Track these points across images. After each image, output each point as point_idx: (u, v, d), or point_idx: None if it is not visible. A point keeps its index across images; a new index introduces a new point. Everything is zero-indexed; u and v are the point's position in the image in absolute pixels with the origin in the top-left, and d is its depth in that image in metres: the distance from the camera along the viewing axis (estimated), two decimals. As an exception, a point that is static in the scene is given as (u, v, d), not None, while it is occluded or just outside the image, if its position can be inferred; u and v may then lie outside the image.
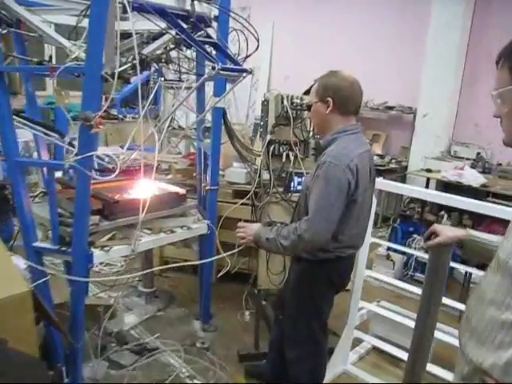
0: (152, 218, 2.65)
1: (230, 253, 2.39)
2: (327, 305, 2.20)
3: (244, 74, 2.19)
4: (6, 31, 2.44)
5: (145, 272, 3.16)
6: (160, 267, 3.31)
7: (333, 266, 2.08)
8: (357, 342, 3.14)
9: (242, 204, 3.35)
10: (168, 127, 5.39)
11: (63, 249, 2.27)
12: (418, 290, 3.06)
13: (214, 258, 2.61)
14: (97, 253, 2.30)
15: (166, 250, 3.96)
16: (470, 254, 1.58)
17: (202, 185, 3.00)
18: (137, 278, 3.87)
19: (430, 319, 1.75)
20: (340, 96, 1.97)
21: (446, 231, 1.57)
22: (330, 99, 1.97)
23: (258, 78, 7.35)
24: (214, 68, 1.96)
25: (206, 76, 2.06)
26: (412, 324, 2.83)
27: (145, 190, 2.70)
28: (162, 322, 3.41)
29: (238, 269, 3.45)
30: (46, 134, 2.41)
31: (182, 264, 2.66)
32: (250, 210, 3.15)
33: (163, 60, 2.49)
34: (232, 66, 2.22)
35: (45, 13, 2.46)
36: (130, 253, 2.43)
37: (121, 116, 5.78)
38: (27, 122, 2.23)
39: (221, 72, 1.98)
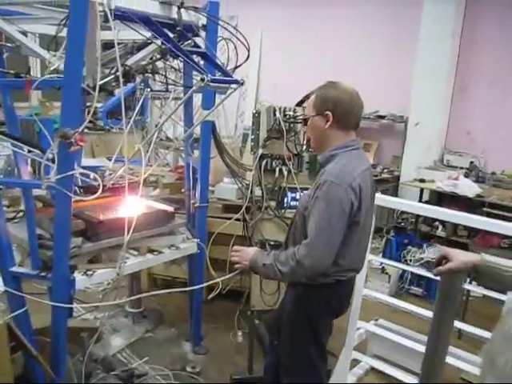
0: (139, 238, 2.51)
1: (222, 278, 2.24)
2: (325, 331, 2.06)
3: (235, 86, 2.06)
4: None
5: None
6: (153, 292, 3.10)
7: (332, 291, 1.95)
8: (355, 362, 3.01)
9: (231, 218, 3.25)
10: (155, 138, 5.25)
11: (43, 274, 2.12)
12: (415, 308, 2.96)
13: (204, 284, 2.46)
14: (79, 278, 2.15)
15: (155, 267, 3.78)
16: (485, 281, 1.47)
17: (191, 202, 2.85)
18: (124, 298, 3.71)
19: (442, 347, 1.63)
20: (340, 110, 1.84)
21: (459, 256, 1.45)
22: (329, 113, 1.84)
23: (247, 87, 7.24)
24: (203, 80, 1.82)
25: (194, 88, 1.93)
26: (411, 344, 2.76)
27: (131, 207, 2.56)
28: (151, 344, 3.25)
29: (231, 287, 3.30)
30: (24, 149, 2.27)
31: (176, 290, 2.51)
32: (241, 226, 3.02)
33: (149, 71, 2.37)
34: (222, 78, 2.09)
35: (23, 22, 2.33)
36: (115, 277, 2.27)
37: (107, 127, 5.64)
38: (4, 137, 2.07)
39: (210, 84, 1.85)
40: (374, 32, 5.98)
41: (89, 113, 2.64)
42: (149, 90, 3.27)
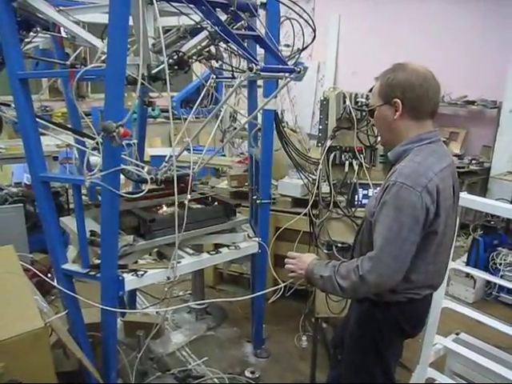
0: (196, 236, 2.36)
1: (284, 284, 2.03)
2: (394, 353, 1.79)
3: (291, 75, 1.81)
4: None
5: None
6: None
7: (402, 310, 1.66)
8: (430, 380, 2.67)
9: (299, 213, 3.04)
10: (229, 127, 5.13)
11: (92, 273, 2.03)
12: (501, 326, 2.52)
13: (265, 290, 2.25)
14: (129, 278, 2.04)
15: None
16: None
17: (254, 197, 2.65)
18: (188, 292, 3.64)
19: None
20: (412, 96, 1.52)
21: None
22: (398, 100, 1.53)
23: (325, 73, 6.94)
24: (251, 69, 1.60)
25: (242, 78, 1.72)
26: (498, 368, 2.36)
27: (189, 202, 2.42)
28: (211, 343, 3.13)
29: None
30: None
31: (228, 299, 2.39)
32: (308, 222, 2.79)
33: (204, 56, 2.18)
34: (276, 66, 1.85)
35: (77, 12, 2.25)
36: (167, 279, 2.14)
37: (184, 116, 5.65)
38: (52, 126, 2.01)
39: (261, 74, 1.62)
40: (465, 12, 5.41)
41: (149, 103, 2.58)
42: (214, 77, 3.14)
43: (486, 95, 5.20)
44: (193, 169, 2.06)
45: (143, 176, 2.12)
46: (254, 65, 1.67)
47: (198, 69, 5.03)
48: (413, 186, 1.45)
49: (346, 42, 6.75)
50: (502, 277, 3.73)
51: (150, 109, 2.82)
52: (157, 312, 3.18)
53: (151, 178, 2.16)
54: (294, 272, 1.77)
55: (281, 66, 1.87)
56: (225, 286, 3.86)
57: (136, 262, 2.21)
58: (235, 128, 4.87)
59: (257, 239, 2.55)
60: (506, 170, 4.74)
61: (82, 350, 2.14)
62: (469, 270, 3.48)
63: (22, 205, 3.60)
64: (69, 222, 2.36)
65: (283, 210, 3.36)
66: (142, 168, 2.35)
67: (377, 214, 1.53)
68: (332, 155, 2.42)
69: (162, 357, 2.81)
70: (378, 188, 2.48)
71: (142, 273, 2.08)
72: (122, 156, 2.52)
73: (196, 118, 5.43)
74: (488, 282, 3.92)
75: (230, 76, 2.82)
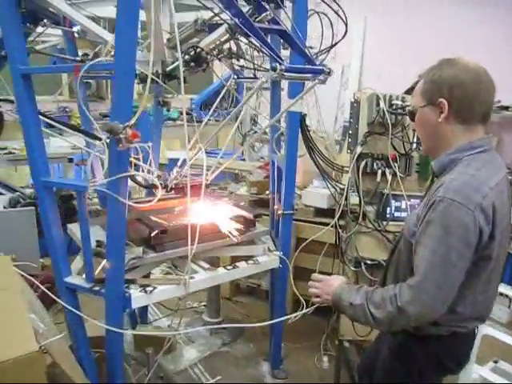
0: (211, 248, 2.17)
1: (304, 311, 1.82)
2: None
3: (320, 77, 1.60)
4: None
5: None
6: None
7: (444, 345, 1.44)
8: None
9: (324, 224, 2.83)
10: (250, 131, 4.93)
11: (96, 288, 1.85)
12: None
13: (285, 317, 1.99)
14: (136, 295, 1.85)
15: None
16: None
17: (275, 207, 2.44)
18: (202, 303, 3.45)
19: None
20: (460, 95, 1.30)
21: None
22: (443, 101, 1.31)
23: (349, 76, 6.71)
24: (274, 69, 1.39)
25: (263, 79, 1.52)
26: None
27: (204, 212, 2.24)
28: (226, 360, 2.93)
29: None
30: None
31: (246, 325, 2.20)
32: (334, 233, 2.58)
33: (224, 54, 2.00)
34: (303, 66, 1.64)
35: (90, 5, 2.10)
36: (180, 295, 1.96)
37: (200, 119, 5.52)
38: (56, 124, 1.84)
39: (285, 74, 1.42)
40: (490, 15, 5.11)
41: (163, 103, 2.40)
42: (235, 77, 2.96)
43: (522, 100, 4.89)
44: (206, 175, 1.85)
45: (153, 182, 1.94)
46: (277, 64, 1.47)
47: (220, 71, 4.89)
48: (464, 203, 1.22)
49: (371, 45, 6.50)
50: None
51: (168, 111, 2.64)
52: (169, 325, 2.99)
53: (161, 184, 1.99)
54: (318, 297, 1.56)
55: (309, 67, 1.66)
56: (242, 297, 3.66)
57: (148, 276, 2.02)
58: (256, 132, 4.69)
59: (277, 253, 2.33)
60: (544, 181, 4.42)
61: (85, 368, 1.98)
62: (503, 288, 3.23)
63: (33, 208, 3.47)
64: (76, 230, 2.19)
65: (305, 219, 3.15)
66: (152, 173, 2.19)
67: (419, 234, 1.31)
68: (363, 163, 2.21)
69: (172, 377, 2.62)
70: (413, 200, 2.29)
71: (152, 289, 1.89)
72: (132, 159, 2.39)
73: (216, 120, 5.28)
74: (525, 302, 3.63)
75: (252, 76, 2.66)
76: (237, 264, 2.21)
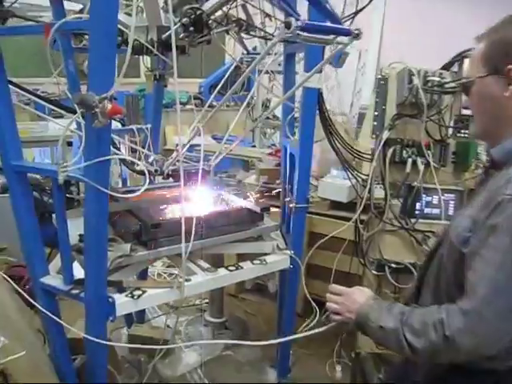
0: (211, 245, 1.89)
1: (317, 331, 1.51)
2: None
3: (346, 39, 1.28)
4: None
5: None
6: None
7: (500, 382, 1.13)
8: None
9: (341, 218, 2.55)
10: (261, 116, 4.64)
11: (75, 291, 1.58)
12: None
13: (297, 335, 1.71)
14: (121, 300, 1.57)
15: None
16: None
17: (286, 199, 2.14)
18: (205, 300, 3.18)
19: None
20: None
21: None
22: None
23: (366, 62, 6.37)
24: (288, 25, 1.07)
25: (276, 39, 1.21)
26: None
27: (204, 203, 1.96)
28: (229, 365, 2.65)
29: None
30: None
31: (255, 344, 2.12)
32: (352, 228, 2.28)
33: (231, 24, 1.71)
34: (325, 24, 1.33)
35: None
36: (173, 299, 1.68)
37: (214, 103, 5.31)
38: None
39: (300, 33, 1.10)
40: None
41: (159, 77, 2.11)
42: (245, 53, 2.67)
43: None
44: (208, 161, 1.56)
45: (146, 167, 1.66)
46: (292, 19, 1.14)
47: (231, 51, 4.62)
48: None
49: (390, 29, 6.12)
50: None
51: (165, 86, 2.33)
52: (168, 326, 2.72)
53: (155, 170, 1.71)
54: (339, 315, 1.27)
55: (332, 25, 1.35)
56: (248, 294, 3.38)
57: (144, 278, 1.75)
58: (268, 118, 4.42)
59: (288, 252, 2.03)
60: None
61: (65, 379, 1.72)
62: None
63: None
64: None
65: (319, 212, 2.86)
66: (148, 158, 1.91)
67: (478, 243, 1.01)
68: (390, 150, 1.89)
69: (168, 384, 2.36)
70: (447, 195, 1.97)
71: (140, 293, 1.61)
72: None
73: (227, 106, 4.99)
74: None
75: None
76: (241, 264, 1.91)
